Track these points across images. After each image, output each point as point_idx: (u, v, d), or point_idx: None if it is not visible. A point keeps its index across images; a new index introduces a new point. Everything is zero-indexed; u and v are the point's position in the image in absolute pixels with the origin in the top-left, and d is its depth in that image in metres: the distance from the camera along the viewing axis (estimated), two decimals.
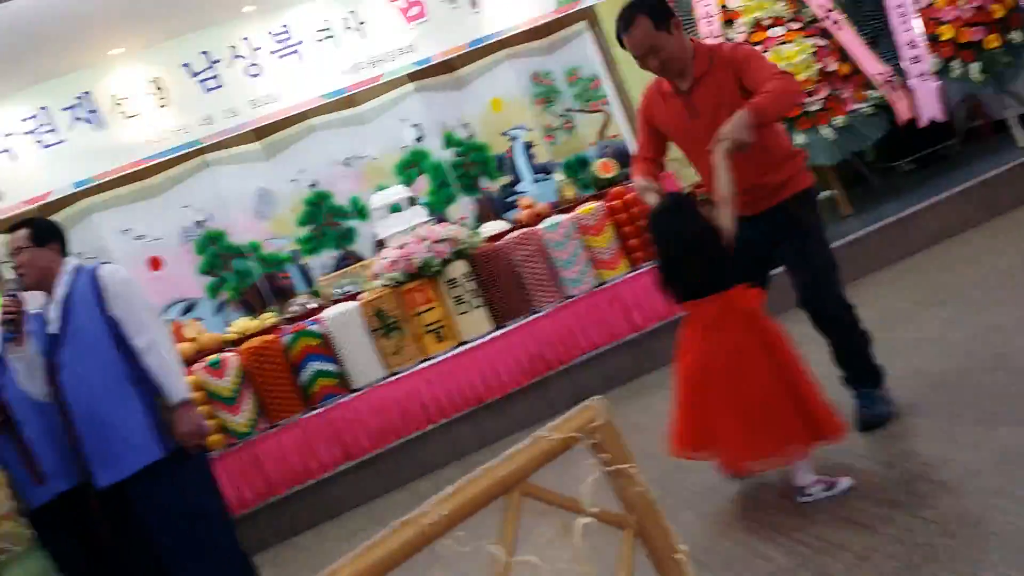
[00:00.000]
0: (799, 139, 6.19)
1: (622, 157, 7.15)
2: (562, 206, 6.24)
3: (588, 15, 7.63)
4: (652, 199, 3.02)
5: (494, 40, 7.20)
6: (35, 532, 3.64)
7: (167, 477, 3.31)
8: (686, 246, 2.75)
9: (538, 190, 7.28)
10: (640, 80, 7.45)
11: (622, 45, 3.06)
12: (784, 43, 6.27)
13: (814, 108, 6.20)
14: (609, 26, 7.89)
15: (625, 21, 2.98)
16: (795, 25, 6.38)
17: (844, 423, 2.81)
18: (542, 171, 7.44)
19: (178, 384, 3.36)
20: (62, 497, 3.47)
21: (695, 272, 2.77)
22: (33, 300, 3.49)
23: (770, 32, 6.34)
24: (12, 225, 3.50)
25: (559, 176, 7.01)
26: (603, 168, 6.69)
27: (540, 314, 5.63)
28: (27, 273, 3.37)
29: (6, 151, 6.31)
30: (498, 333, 5.56)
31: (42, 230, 3.45)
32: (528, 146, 7.46)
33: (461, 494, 1.06)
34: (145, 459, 3.27)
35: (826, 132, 6.17)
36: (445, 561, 1.04)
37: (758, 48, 6.31)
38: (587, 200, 6.15)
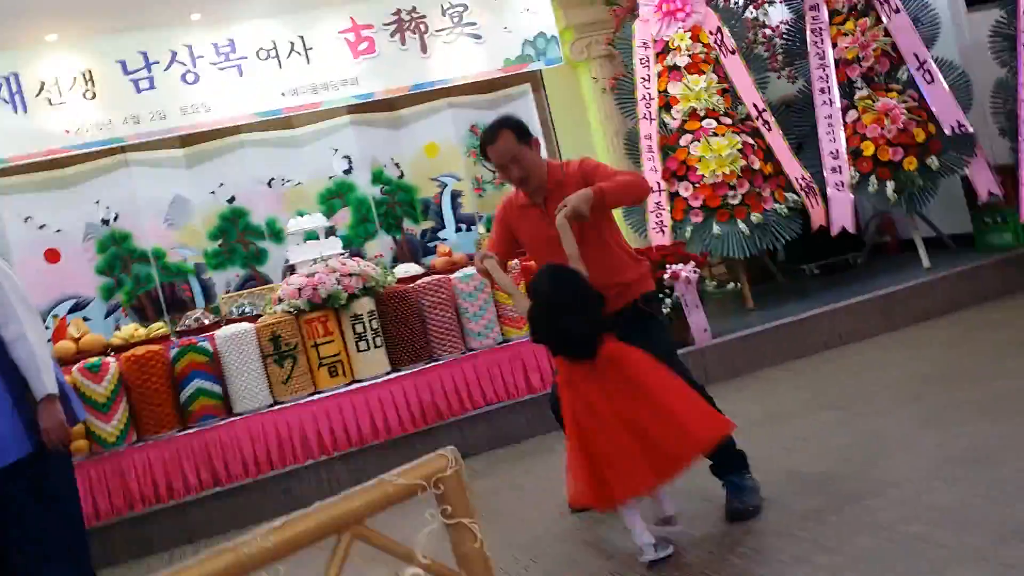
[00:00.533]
0: (716, 230, 6.37)
1: None
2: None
3: (533, 78, 7.77)
4: (491, 264, 3.26)
5: (437, 87, 7.25)
6: None
7: (29, 473, 3.19)
8: (574, 300, 2.93)
9: (459, 240, 7.28)
10: (575, 147, 7.63)
11: (486, 157, 3.37)
12: (715, 135, 6.48)
13: (733, 202, 6.39)
14: (552, 91, 8.05)
15: (491, 133, 3.31)
16: (727, 120, 6.61)
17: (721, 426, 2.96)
18: (466, 222, 7.45)
19: (45, 378, 3.23)
20: None
21: (579, 327, 2.93)
22: None
23: (703, 123, 6.55)
24: None
25: (482, 229, 7.03)
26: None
27: (439, 362, 5.57)
28: None
29: None
30: (394, 376, 5.48)
31: None
32: (456, 195, 7.47)
33: (290, 527, 1.00)
34: (12, 455, 3.14)
35: (742, 226, 6.36)
36: None
37: (688, 136, 6.52)
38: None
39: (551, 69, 7.76)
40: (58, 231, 6.58)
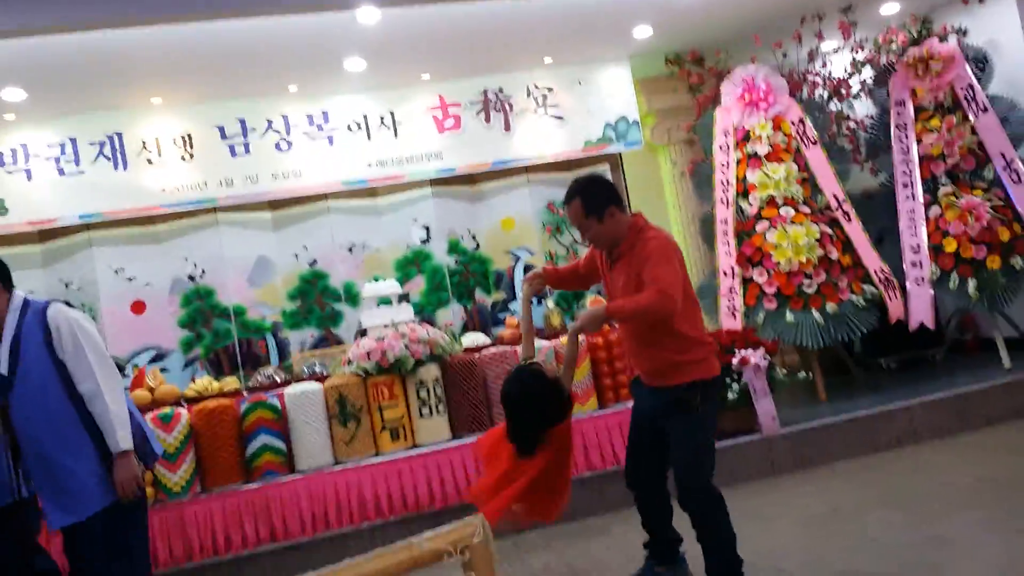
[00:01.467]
0: (789, 318, 6.26)
1: None
2: (546, 333, 6.27)
3: (612, 159, 7.90)
4: (527, 288, 3.68)
5: (516, 164, 7.43)
6: None
7: (107, 523, 3.32)
8: (525, 404, 3.18)
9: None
10: None
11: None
12: (792, 223, 6.43)
13: (809, 291, 6.29)
14: (631, 172, 8.16)
15: (568, 195, 3.50)
16: (806, 209, 6.56)
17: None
18: (537, 297, 7.51)
19: (119, 434, 3.33)
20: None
21: (532, 425, 3.18)
22: None
23: (781, 211, 6.51)
24: None
25: (551, 304, 7.08)
26: (594, 305, 6.76)
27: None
28: None
29: (25, 171, 6.47)
30: (455, 443, 5.49)
31: None
32: (528, 268, 7.57)
33: None
34: (92, 508, 3.29)
35: (816, 315, 6.24)
36: None
37: (765, 223, 6.48)
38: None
39: (629, 152, 7.87)
40: (147, 284, 6.90)
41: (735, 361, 5.55)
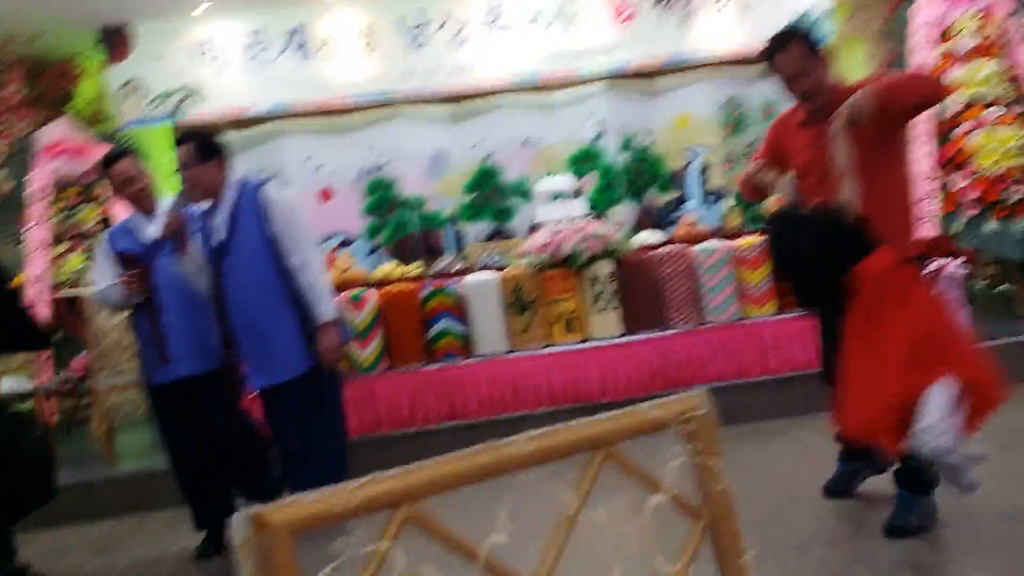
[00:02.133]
0: (991, 227, 5.84)
1: None
2: (723, 233, 6.14)
3: None
4: (770, 177, 3.12)
5: (696, 60, 7.17)
6: (150, 406, 4.00)
7: (305, 388, 3.57)
8: (814, 262, 2.74)
9: (704, 212, 7.20)
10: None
11: (772, 66, 3.08)
12: (999, 125, 5.92)
13: (1014, 199, 5.83)
14: None
15: (780, 40, 3.06)
16: (1017, 109, 6.02)
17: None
18: (713, 195, 7.35)
19: (326, 305, 3.58)
20: (180, 381, 3.78)
21: (829, 282, 2.72)
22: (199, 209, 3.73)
23: (987, 111, 6.00)
24: (179, 138, 3.71)
25: (729, 203, 6.90)
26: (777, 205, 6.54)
27: (673, 332, 5.57)
28: (193, 188, 3.60)
29: (217, 58, 6.81)
30: (626, 339, 5.55)
31: (207, 146, 3.63)
32: (704, 168, 7.38)
33: (549, 437, 1.10)
34: (294, 371, 3.54)
35: (1020, 226, 5.79)
36: (517, 495, 1.09)
37: (968, 124, 5.99)
38: (751, 234, 6.02)
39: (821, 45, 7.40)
40: (333, 173, 7.23)
41: (930, 270, 5.27)
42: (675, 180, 7.42)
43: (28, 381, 6.19)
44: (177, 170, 3.60)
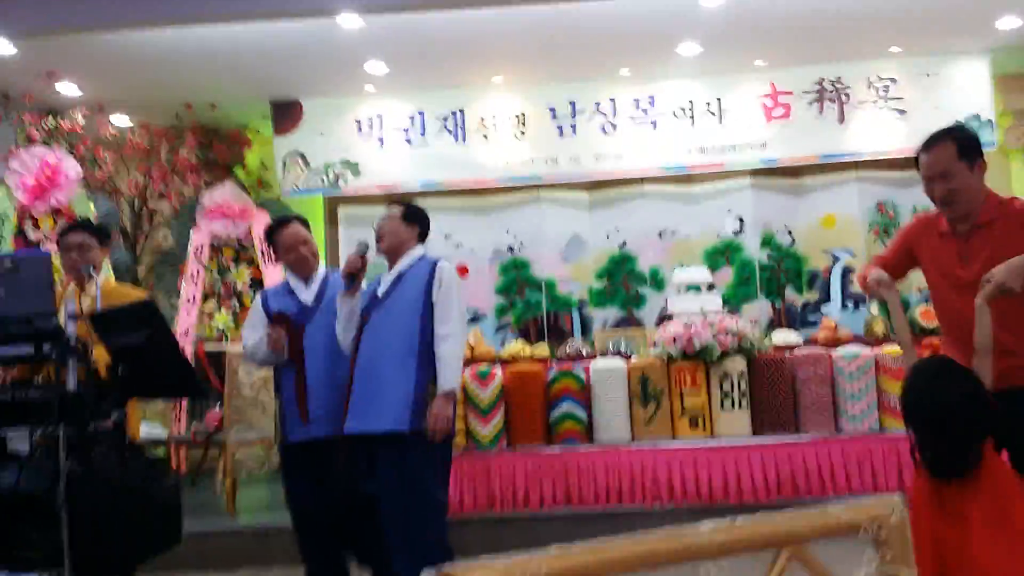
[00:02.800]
0: None
1: None
2: (865, 340, 5.89)
3: None
4: (887, 293, 2.85)
5: (848, 159, 7.04)
6: (282, 462, 4.08)
7: (410, 451, 3.52)
8: (953, 412, 2.43)
9: (843, 317, 6.95)
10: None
11: (917, 165, 2.87)
12: None
13: None
14: None
15: (931, 139, 2.84)
16: None
17: None
18: (854, 299, 7.09)
19: (453, 376, 3.59)
20: (316, 441, 3.85)
21: (956, 444, 2.42)
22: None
23: None
24: (394, 201, 3.96)
25: (873, 310, 6.64)
26: (925, 315, 6.23)
27: (806, 438, 5.33)
28: (384, 239, 3.75)
29: (379, 139, 7.18)
30: (755, 441, 5.34)
31: (411, 212, 3.84)
32: (847, 270, 7.15)
33: (736, 530, 1.05)
34: (392, 425, 3.50)
35: None
36: None
37: None
38: (894, 343, 5.75)
39: None
40: (471, 251, 7.41)
41: None
42: (815, 281, 7.22)
43: (163, 429, 6.49)
44: (379, 224, 3.79)
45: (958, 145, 2.79)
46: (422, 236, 3.84)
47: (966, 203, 2.80)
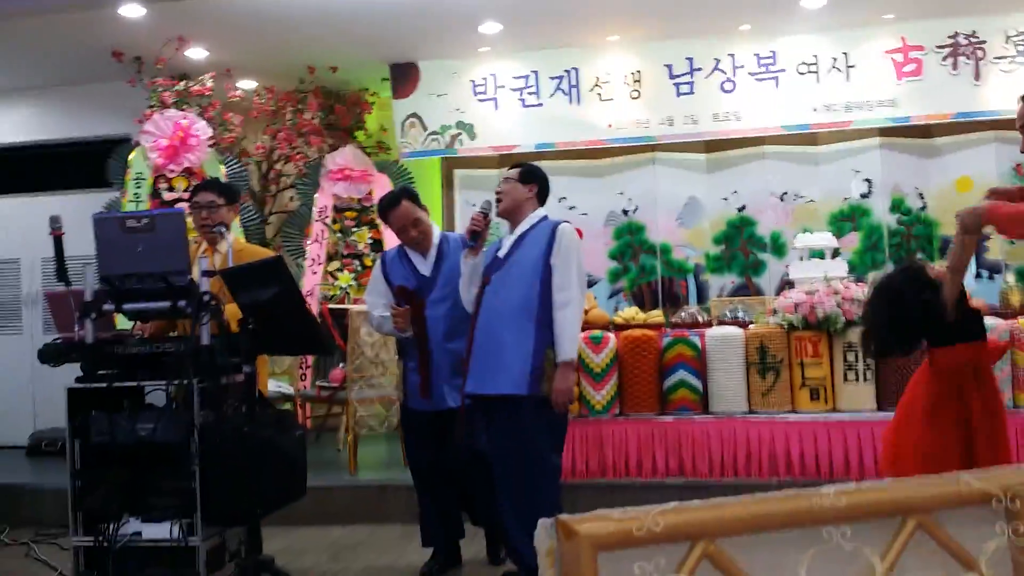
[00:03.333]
0: None
1: None
2: (1003, 311, 5.56)
3: None
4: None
5: (985, 119, 6.61)
6: (403, 423, 4.18)
7: (527, 415, 3.54)
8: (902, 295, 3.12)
9: (977, 286, 6.58)
10: None
11: None
12: None
13: None
14: None
15: None
16: None
17: None
18: (989, 268, 6.70)
19: (572, 345, 3.58)
20: (439, 411, 3.92)
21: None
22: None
23: None
24: (514, 164, 3.92)
25: (1009, 279, 6.26)
26: None
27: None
28: (502, 200, 3.75)
29: (492, 100, 7.18)
30: (879, 416, 5.14)
31: (529, 172, 3.82)
32: (984, 237, 6.74)
33: (862, 494, 1.01)
34: (511, 389, 3.52)
35: None
36: (819, 550, 1.00)
37: None
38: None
39: None
40: (584, 214, 7.36)
41: None
42: (948, 248, 6.83)
43: (289, 385, 6.75)
44: (500, 182, 3.81)
45: None
46: (541, 197, 3.82)
47: None
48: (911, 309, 3.12)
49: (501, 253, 3.71)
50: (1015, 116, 6.49)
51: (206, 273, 3.50)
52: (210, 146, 6.86)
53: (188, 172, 6.79)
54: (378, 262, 4.25)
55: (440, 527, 4.12)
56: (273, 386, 6.09)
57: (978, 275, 6.74)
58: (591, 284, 7.27)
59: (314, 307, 6.75)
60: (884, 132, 6.85)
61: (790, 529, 0.98)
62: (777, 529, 0.97)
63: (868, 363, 5.23)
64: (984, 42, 6.59)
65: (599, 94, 7.04)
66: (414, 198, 4.10)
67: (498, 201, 3.75)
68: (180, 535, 3.36)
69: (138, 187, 6.78)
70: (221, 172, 6.94)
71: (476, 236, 3.67)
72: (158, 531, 3.42)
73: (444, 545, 4.15)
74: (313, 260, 7.18)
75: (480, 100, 7.23)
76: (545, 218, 3.77)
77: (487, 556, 4.27)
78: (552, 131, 7.06)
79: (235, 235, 4.60)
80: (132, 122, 7.05)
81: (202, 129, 6.78)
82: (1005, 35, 6.57)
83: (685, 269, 7.20)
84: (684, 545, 0.90)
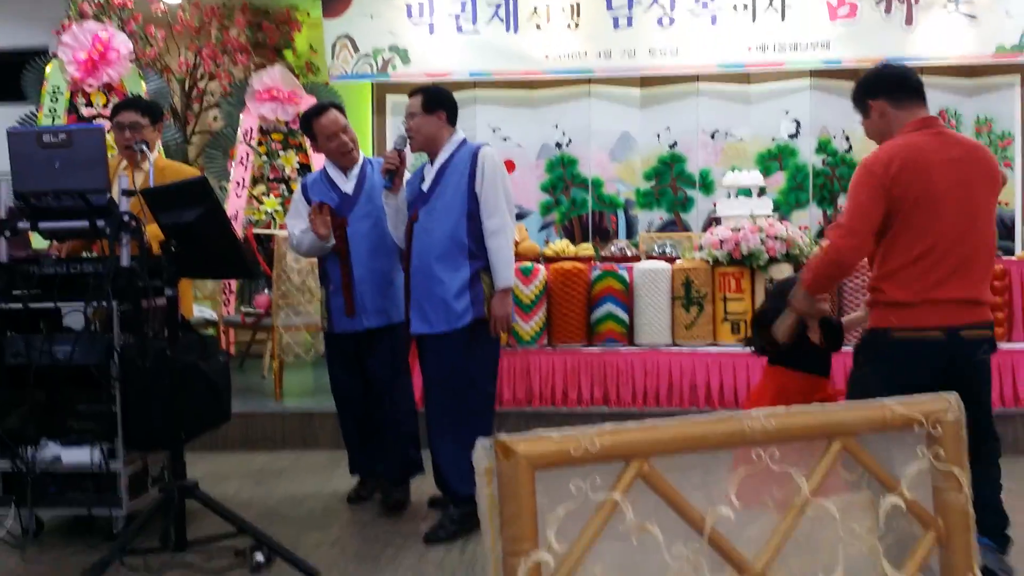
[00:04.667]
0: None
1: (1002, 226, 6.50)
2: None
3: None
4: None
5: (914, 63, 6.73)
6: (327, 351, 4.15)
7: (464, 346, 3.57)
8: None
9: None
10: None
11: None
12: None
13: None
14: None
15: None
16: None
17: None
18: None
19: (508, 271, 3.59)
20: (359, 332, 3.90)
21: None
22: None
23: None
24: (412, 91, 3.76)
25: None
26: None
27: (848, 349, 5.28)
28: (415, 137, 3.65)
29: (428, 24, 7.00)
30: None
31: (432, 99, 3.66)
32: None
33: (789, 418, 1.04)
34: (455, 324, 3.55)
35: None
36: (750, 470, 1.04)
37: None
38: None
39: None
40: (518, 145, 7.31)
41: None
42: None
43: (213, 311, 6.63)
44: (405, 118, 3.70)
45: None
46: (452, 119, 3.70)
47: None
48: (765, 314, 3.31)
49: (425, 186, 3.64)
50: (946, 63, 6.69)
51: (126, 192, 3.38)
52: (131, 61, 6.55)
53: (108, 87, 6.51)
54: (298, 186, 4.17)
55: (366, 453, 4.13)
56: (196, 311, 5.96)
57: None
58: (522, 216, 7.27)
59: (239, 231, 6.59)
60: (815, 74, 6.94)
61: (722, 450, 1.00)
62: (709, 450, 1.00)
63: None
64: None
65: (537, 23, 6.92)
66: (342, 110, 4.02)
67: (411, 138, 3.66)
68: (101, 460, 3.30)
69: (55, 101, 6.48)
70: (142, 88, 6.66)
71: (392, 174, 3.60)
72: (78, 455, 3.37)
73: (370, 471, 4.16)
74: (237, 183, 6.99)
75: (415, 24, 7.04)
76: (464, 142, 3.68)
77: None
78: (488, 60, 6.93)
79: (157, 153, 4.43)
80: (50, 33, 6.69)
81: (123, 43, 6.47)
82: None
83: (616, 204, 7.24)
84: (619, 465, 0.92)
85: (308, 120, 4.02)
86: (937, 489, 1.12)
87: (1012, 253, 6.45)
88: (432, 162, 3.68)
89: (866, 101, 3.03)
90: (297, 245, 4.04)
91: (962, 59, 6.69)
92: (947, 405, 1.12)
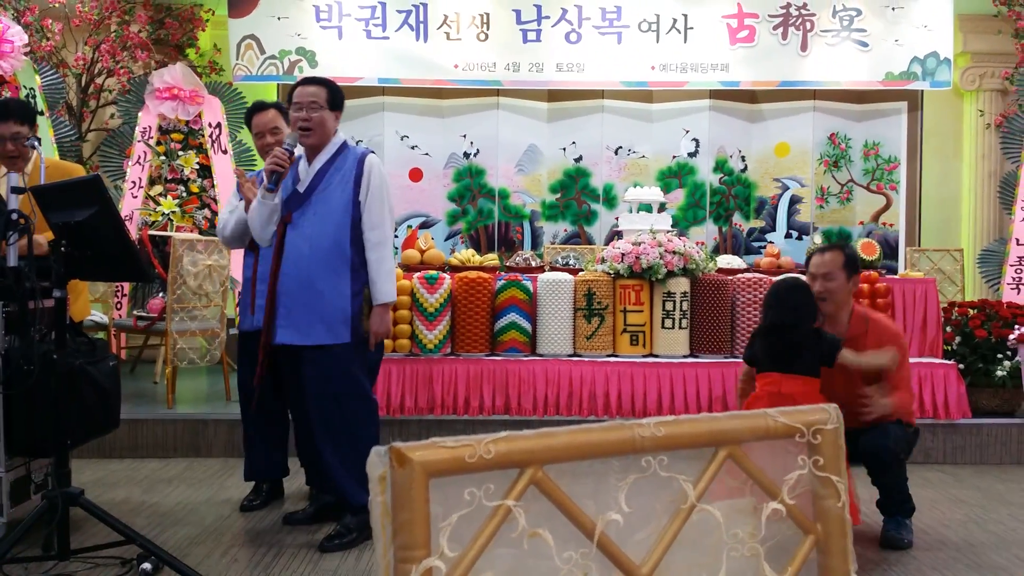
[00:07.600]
0: None
1: (887, 246, 6.85)
2: (807, 270, 6.03)
3: (911, 97, 7.32)
4: None
5: (807, 88, 7.07)
6: (238, 348, 4.04)
7: (346, 359, 3.47)
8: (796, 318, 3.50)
9: (787, 246, 7.10)
10: (941, 178, 7.17)
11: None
12: None
13: None
14: (929, 115, 7.51)
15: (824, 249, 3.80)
16: None
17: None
18: (798, 230, 7.23)
19: (388, 286, 3.49)
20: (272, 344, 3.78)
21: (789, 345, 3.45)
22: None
23: None
24: (309, 79, 3.51)
25: (818, 239, 6.79)
26: (865, 248, 6.39)
27: (739, 360, 5.48)
28: (313, 131, 3.41)
29: (337, 28, 6.94)
30: (691, 360, 5.49)
31: (337, 95, 3.50)
32: (795, 200, 7.27)
33: (677, 425, 1.09)
34: (332, 339, 3.42)
35: None
36: (638, 476, 1.08)
37: None
38: None
39: (933, 92, 7.24)
40: (426, 154, 7.30)
41: (1012, 337, 5.11)
42: (763, 208, 7.32)
43: (103, 314, 6.38)
44: (295, 108, 3.45)
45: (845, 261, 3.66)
46: (339, 109, 3.53)
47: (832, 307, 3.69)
48: (800, 331, 3.49)
49: (301, 187, 3.46)
50: (838, 87, 7.03)
51: (15, 190, 3.22)
52: (25, 54, 6.26)
53: (0, 80, 6.20)
54: (234, 189, 4.02)
55: (264, 458, 4.04)
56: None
57: (788, 235, 7.25)
58: (429, 225, 7.27)
59: (133, 232, 6.37)
60: (714, 94, 7.19)
61: (613, 457, 1.04)
62: (601, 457, 1.03)
63: (684, 311, 5.55)
64: (814, 15, 7.00)
65: (447, 33, 6.96)
66: (285, 114, 3.89)
67: (305, 130, 3.41)
68: None
69: None
70: (36, 82, 6.37)
71: (279, 175, 3.39)
72: None
73: (265, 478, 4.08)
74: (133, 183, 6.75)
75: (323, 27, 6.97)
76: (344, 145, 3.52)
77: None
78: (397, 67, 6.92)
79: (45, 153, 4.24)
80: None
81: (17, 35, 6.17)
82: (833, 9, 7.01)
83: (522, 215, 7.32)
84: (513, 472, 0.94)
85: (249, 114, 3.99)
86: (816, 495, 1.18)
87: (895, 272, 6.80)
88: (309, 161, 3.50)
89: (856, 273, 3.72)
90: (223, 227, 3.82)
91: (853, 85, 7.05)
92: (827, 416, 1.19)
